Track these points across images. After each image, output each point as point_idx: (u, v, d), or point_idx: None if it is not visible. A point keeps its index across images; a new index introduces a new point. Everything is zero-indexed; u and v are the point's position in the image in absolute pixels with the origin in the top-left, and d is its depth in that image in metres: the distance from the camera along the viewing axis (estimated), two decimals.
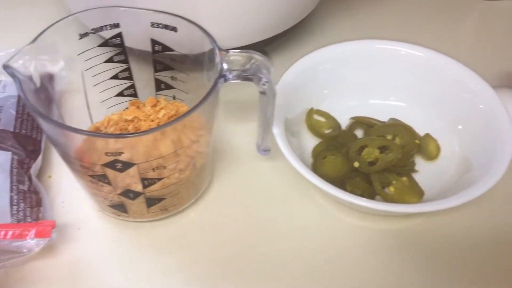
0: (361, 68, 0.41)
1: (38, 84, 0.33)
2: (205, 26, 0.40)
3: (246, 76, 0.32)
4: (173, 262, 0.35)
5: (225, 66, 0.32)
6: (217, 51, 0.32)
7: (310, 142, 0.41)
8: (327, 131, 0.41)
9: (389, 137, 0.39)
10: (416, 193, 0.37)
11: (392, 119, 0.41)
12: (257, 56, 0.33)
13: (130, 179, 0.31)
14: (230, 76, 0.32)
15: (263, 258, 0.35)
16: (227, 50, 0.33)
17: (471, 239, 0.36)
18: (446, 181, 0.38)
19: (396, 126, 0.39)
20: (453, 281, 0.34)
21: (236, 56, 0.33)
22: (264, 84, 0.33)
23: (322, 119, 0.42)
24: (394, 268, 0.35)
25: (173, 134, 0.31)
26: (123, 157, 0.29)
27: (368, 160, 0.38)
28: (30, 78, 0.32)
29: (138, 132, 0.32)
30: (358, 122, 0.42)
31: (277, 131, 0.36)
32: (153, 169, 0.31)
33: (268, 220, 0.37)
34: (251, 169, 0.40)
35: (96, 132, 0.34)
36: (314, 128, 0.41)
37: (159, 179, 0.32)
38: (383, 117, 0.42)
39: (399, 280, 0.34)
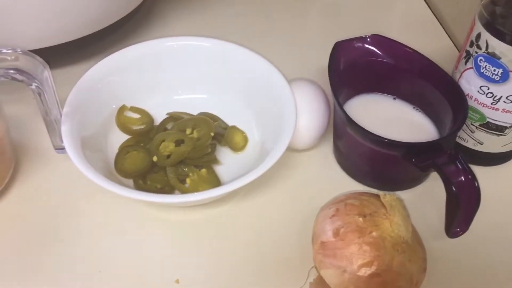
0: (160, 66, 0.42)
1: None
2: (8, 27, 0.40)
3: (14, 76, 0.33)
4: None
5: None
6: None
7: (124, 140, 0.41)
8: (137, 127, 0.42)
9: (188, 130, 0.40)
10: (211, 184, 0.38)
11: (201, 113, 0.43)
12: (29, 57, 0.33)
13: None
14: None
15: (61, 258, 0.35)
16: None
17: (271, 222, 0.38)
18: (247, 170, 0.39)
19: (196, 120, 0.41)
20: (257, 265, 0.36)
21: (6, 55, 0.33)
22: (35, 87, 0.33)
23: (136, 115, 0.43)
24: (192, 258, 0.36)
25: None
26: None
27: (165, 153, 0.39)
28: None
29: None
30: (171, 117, 0.43)
31: (64, 130, 0.36)
32: None
33: (71, 219, 0.38)
34: (57, 169, 0.40)
35: None
36: (123, 125, 0.42)
37: None
38: (196, 110, 0.43)
39: (197, 269, 0.35)
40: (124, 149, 0.40)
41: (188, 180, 0.38)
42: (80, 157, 0.35)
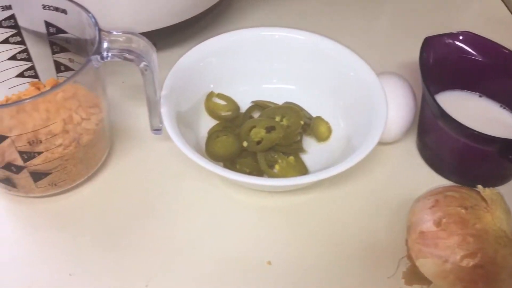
0: (253, 55, 0.43)
1: None
2: (113, 11, 0.42)
3: (125, 56, 0.34)
4: (57, 237, 0.36)
5: (105, 45, 0.34)
6: (96, 29, 0.34)
7: (211, 124, 0.43)
8: (224, 113, 0.43)
9: (277, 118, 0.41)
10: (299, 171, 0.39)
11: (286, 102, 0.43)
12: (139, 38, 0.35)
13: (9, 153, 0.33)
14: (109, 54, 0.34)
15: (144, 231, 0.37)
16: (110, 31, 0.35)
17: (345, 213, 0.39)
18: (332, 160, 0.40)
19: (285, 108, 0.41)
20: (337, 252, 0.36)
21: (118, 37, 0.34)
22: (143, 66, 0.34)
23: (222, 102, 0.44)
24: (282, 242, 0.37)
25: (47, 107, 0.33)
26: None
27: (256, 139, 0.40)
28: None
29: None
30: (256, 105, 0.44)
31: (164, 111, 0.38)
32: (29, 143, 0.32)
33: (161, 198, 0.39)
34: (148, 149, 0.42)
35: None
36: (212, 110, 0.43)
37: (39, 153, 0.33)
38: (280, 100, 0.44)
39: (288, 252, 0.36)
40: (214, 133, 0.41)
41: (277, 166, 0.39)
42: (179, 137, 0.36)
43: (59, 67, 0.40)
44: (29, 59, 0.40)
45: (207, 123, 0.43)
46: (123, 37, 0.35)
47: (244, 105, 0.44)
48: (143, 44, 0.35)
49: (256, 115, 0.43)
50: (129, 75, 0.46)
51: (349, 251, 0.37)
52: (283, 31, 0.43)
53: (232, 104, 0.44)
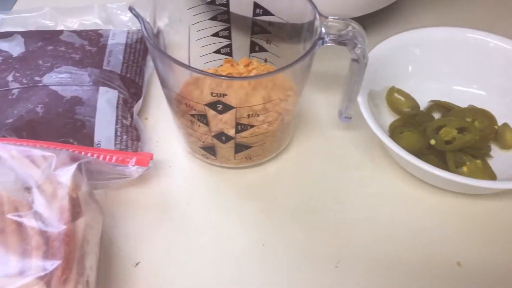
0: (447, 54, 0.43)
1: (155, 30, 0.37)
2: None
3: (341, 41, 0.35)
4: (248, 207, 0.38)
5: (323, 30, 0.35)
6: (317, 15, 0.35)
7: (388, 117, 0.43)
8: (405, 109, 0.43)
9: (468, 120, 0.40)
10: (488, 176, 0.38)
11: (471, 106, 0.42)
12: (354, 25, 0.35)
13: (226, 122, 0.35)
14: (327, 39, 0.35)
15: (329, 214, 0.38)
16: (326, 16, 0.35)
17: None
18: None
19: (475, 111, 0.41)
20: None
21: (334, 22, 0.35)
22: (358, 51, 0.35)
23: (401, 98, 0.44)
24: (470, 245, 0.36)
25: (268, 86, 0.34)
26: (225, 99, 0.32)
27: (445, 139, 0.39)
28: (148, 23, 0.36)
29: (243, 77, 0.35)
30: (437, 105, 0.43)
31: (361, 100, 0.38)
32: (248, 116, 0.34)
33: (340, 185, 0.39)
34: (329, 137, 0.42)
35: (205, 71, 0.34)
36: (393, 105, 0.43)
37: (251, 126, 0.35)
38: (462, 103, 0.43)
39: (477, 256, 0.36)
40: (397, 128, 0.41)
41: (464, 168, 0.39)
42: (377, 126, 0.37)
43: (254, 47, 0.42)
44: (229, 37, 0.42)
45: (386, 116, 0.43)
46: (339, 23, 0.35)
47: (421, 103, 0.44)
48: (357, 30, 0.35)
49: (435, 115, 0.43)
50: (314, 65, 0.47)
51: None
52: (494, 38, 0.42)
53: (411, 101, 0.43)
